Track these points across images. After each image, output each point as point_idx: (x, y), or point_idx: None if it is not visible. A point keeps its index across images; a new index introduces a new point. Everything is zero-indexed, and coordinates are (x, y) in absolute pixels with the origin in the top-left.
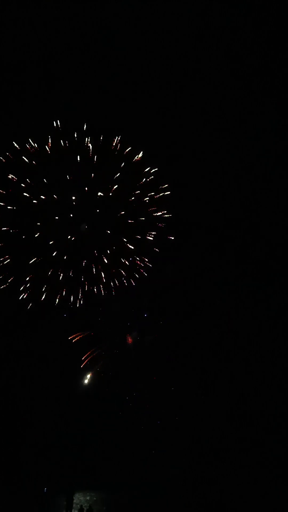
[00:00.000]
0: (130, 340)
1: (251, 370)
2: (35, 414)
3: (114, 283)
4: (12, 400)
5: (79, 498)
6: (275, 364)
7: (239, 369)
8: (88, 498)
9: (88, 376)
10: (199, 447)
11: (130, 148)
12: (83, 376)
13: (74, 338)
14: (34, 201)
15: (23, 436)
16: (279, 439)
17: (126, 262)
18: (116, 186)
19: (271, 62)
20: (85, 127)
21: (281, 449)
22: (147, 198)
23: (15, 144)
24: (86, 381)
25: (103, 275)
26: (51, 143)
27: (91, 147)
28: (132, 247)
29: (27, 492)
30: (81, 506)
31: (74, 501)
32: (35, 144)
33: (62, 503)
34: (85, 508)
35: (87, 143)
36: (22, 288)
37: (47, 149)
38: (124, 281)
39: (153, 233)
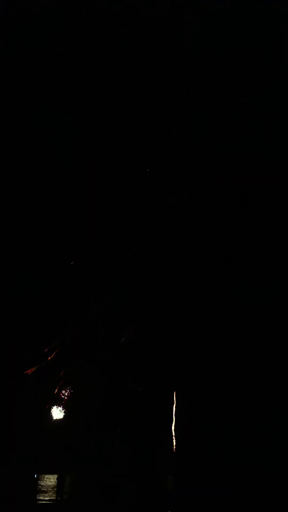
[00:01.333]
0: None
1: (252, 370)
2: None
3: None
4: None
5: (69, 481)
6: (275, 364)
7: (239, 369)
8: (78, 480)
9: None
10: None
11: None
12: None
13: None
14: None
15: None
16: (279, 440)
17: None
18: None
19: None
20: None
21: (281, 449)
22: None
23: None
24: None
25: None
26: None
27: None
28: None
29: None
30: (70, 487)
31: (66, 483)
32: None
33: (53, 485)
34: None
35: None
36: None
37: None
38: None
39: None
